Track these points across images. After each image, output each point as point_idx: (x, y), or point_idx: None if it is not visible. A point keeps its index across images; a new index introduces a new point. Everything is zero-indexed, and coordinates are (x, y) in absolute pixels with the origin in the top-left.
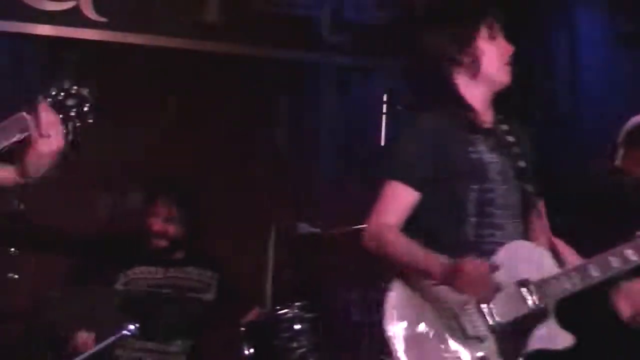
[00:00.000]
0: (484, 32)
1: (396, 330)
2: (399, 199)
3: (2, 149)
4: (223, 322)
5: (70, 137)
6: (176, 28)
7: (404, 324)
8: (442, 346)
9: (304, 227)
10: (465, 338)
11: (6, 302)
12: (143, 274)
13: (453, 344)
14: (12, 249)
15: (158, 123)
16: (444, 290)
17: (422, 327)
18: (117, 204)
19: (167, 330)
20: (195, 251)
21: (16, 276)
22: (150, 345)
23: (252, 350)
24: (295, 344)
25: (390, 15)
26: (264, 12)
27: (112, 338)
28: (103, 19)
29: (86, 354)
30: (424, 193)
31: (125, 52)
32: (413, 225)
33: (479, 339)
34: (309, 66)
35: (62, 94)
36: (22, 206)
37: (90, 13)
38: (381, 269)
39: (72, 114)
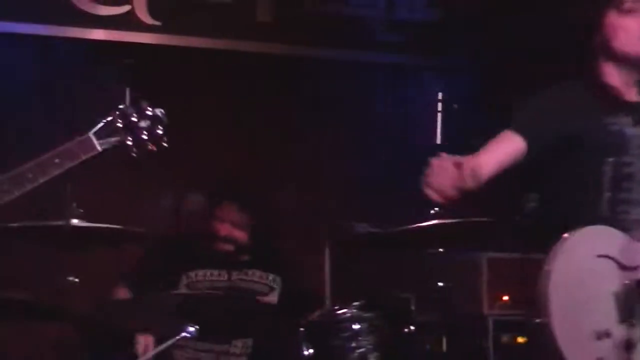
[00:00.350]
0: (613, 9)
1: (555, 294)
2: (501, 141)
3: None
4: (284, 323)
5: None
6: (229, 30)
7: (564, 290)
8: (595, 320)
9: (363, 227)
10: (618, 319)
11: (67, 304)
12: (207, 277)
13: (605, 321)
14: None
15: (214, 125)
16: (606, 268)
17: (580, 297)
18: (179, 206)
19: (228, 332)
20: (260, 254)
21: (77, 280)
22: (210, 346)
23: (311, 351)
24: (354, 344)
25: (443, 13)
26: (317, 12)
27: (172, 340)
28: (157, 23)
29: (146, 356)
30: (557, 165)
31: (179, 55)
32: (553, 203)
33: (631, 323)
34: (362, 65)
35: (136, 114)
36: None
37: (144, 17)
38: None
39: (144, 136)
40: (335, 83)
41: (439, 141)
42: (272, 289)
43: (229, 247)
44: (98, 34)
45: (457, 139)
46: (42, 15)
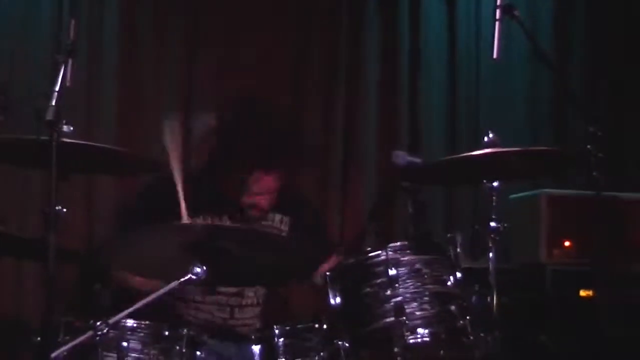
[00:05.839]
0: None
1: None
2: None
3: None
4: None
5: None
6: None
7: None
8: None
9: (402, 157)
10: None
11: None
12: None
13: None
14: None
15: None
16: None
17: None
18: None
19: (239, 278)
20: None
21: (64, 209)
22: (220, 298)
23: (339, 300)
24: (389, 292)
25: None
26: None
27: (176, 282)
28: None
29: (145, 301)
30: None
31: None
32: None
33: None
34: None
35: None
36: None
37: None
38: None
39: None
40: None
41: (495, 56)
42: (280, 231)
43: (255, 213)
44: None
45: None
46: None
